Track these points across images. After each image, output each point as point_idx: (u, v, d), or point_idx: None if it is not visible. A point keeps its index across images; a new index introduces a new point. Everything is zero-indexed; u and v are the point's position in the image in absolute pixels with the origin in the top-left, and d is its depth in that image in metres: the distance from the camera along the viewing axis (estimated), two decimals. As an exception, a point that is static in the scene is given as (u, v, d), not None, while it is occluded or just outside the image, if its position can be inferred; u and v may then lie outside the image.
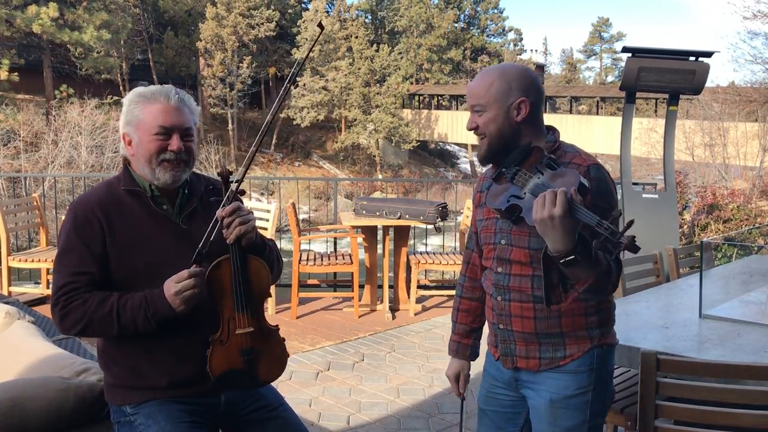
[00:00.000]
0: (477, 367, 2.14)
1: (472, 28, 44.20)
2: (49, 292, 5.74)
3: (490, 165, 1.94)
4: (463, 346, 2.13)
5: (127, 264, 1.81)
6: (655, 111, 28.07)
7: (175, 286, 1.74)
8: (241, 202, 1.88)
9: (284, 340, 1.97)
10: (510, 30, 47.00)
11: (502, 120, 1.82)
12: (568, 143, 1.89)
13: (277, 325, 1.96)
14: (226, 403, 1.92)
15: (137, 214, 1.85)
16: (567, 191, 1.56)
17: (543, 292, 1.79)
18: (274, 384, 2.00)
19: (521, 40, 48.07)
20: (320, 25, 1.92)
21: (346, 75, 31.10)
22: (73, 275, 1.78)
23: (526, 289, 1.83)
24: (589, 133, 28.82)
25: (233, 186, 1.86)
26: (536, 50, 53.66)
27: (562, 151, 1.85)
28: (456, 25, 41.61)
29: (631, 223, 1.55)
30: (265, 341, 1.89)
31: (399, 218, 5.51)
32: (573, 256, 1.58)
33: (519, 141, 1.83)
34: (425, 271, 6.42)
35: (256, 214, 5.85)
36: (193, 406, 1.85)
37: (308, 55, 1.88)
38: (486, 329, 2.06)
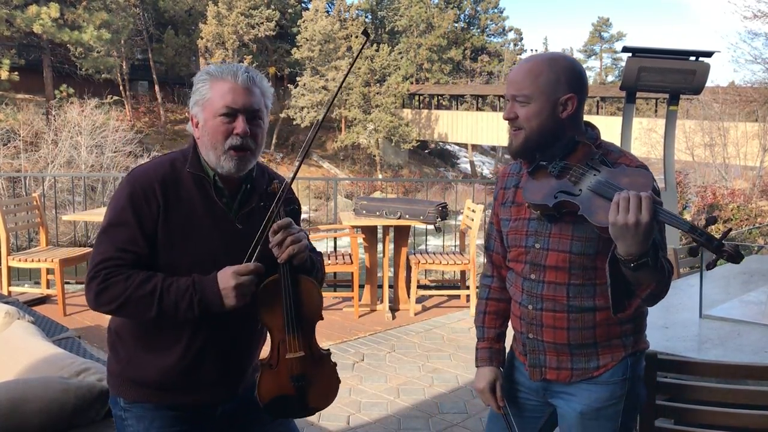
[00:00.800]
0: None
1: (472, 27, 44.23)
2: (49, 291, 5.75)
3: (518, 160, 1.82)
4: (496, 351, 1.94)
5: (172, 253, 1.67)
6: (655, 111, 28.08)
7: (236, 278, 1.62)
8: (295, 220, 1.74)
9: (335, 365, 1.84)
10: (510, 30, 47.06)
11: (547, 115, 1.68)
12: (608, 141, 1.78)
13: (329, 350, 1.83)
14: (223, 413, 1.83)
15: (196, 202, 1.70)
16: (650, 195, 1.47)
17: (584, 302, 1.70)
18: None
19: (521, 40, 48.14)
20: (365, 32, 1.75)
21: (346, 75, 31.08)
22: (120, 251, 1.63)
23: (561, 298, 1.72)
24: (589, 133, 28.75)
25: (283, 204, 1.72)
26: (536, 50, 53.65)
27: (605, 149, 1.73)
28: (456, 25, 41.63)
29: (729, 231, 1.46)
30: (317, 366, 1.77)
31: (399, 218, 5.51)
32: (646, 259, 1.50)
33: (559, 138, 1.71)
34: (425, 271, 6.43)
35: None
36: (187, 413, 1.77)
37: (353, 65, 1.72)
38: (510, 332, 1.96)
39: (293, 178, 1.74)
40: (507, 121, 1.74)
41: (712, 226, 1.55)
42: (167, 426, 1.74)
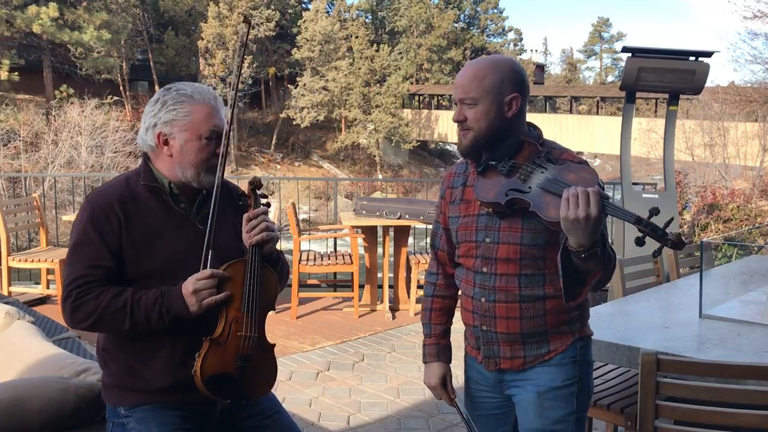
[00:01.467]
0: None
1: (472, 28, 44.24)
2: (49, 291, 5.76)
3: (466, 160, 1.90)
4: (443, 347, 2.01)
5: (141, 262, 1.77)
6: (655, 111, 28.08)
7: (194, 284, 1.71)
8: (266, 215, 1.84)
9: (275, 360, 1.89)
10: (510, 30, 47.15)
11: (494, 115, 1.78)
12: (549, 140, 1.87)
13: (274, 344, 1.89)
14: (221, 411, 1.87)
15: (155, 211, 1.81)
16: (597, 190, 1.56)
17: (536, 290, 1.78)
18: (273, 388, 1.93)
19: (521, 40, 48.25)
20: (246, 20, 1.84)
21: (346, 75, 31.11)
22: (89, 268, 1.74)
23: (512, 289, 1.79)
24: (589, 133, 28.82)
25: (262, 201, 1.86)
26: (536, 50, 53.71)
27: (548, 147, 1.82)
28: (456, 25, 41.64)
29: (671, 220, 1.55)
30: (262, 353, 1.82)
31: (399, 218, 5.51)
32: (596, 249, 1.58)
33: (507, 136, 1.80)
34: (425, 271, 6.42)
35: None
36: (187, 412, 1.81)
37: (242, 54, 1.81)
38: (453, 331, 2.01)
39: (222, 177, 1.83)
40: (456, 123, 1.83)
41: (655, 217, 1.67)
42: (168, 424, 1.76)
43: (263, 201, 1.85)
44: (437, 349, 2.00)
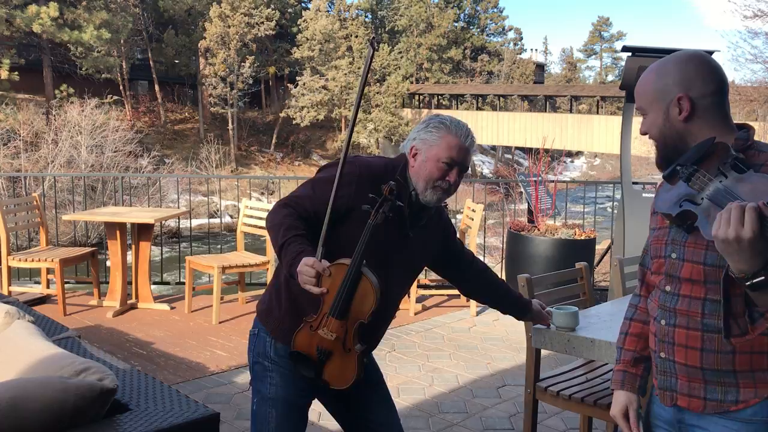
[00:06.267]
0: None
1: (471, 27, 44.27)
2: (49, 291, 5.76)
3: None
4: (631, 375, 1.77)
5: (351, 233, 1.93)
6: (655, 110, 28.04)
7: (301, 266, 1.84)
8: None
9: (366, 361, 1.99)
10: (510, 29, 47.14)
11: (662, 122, 1.62)
12: (765, 143, 1.60)
13: (363, 349, 1.96)
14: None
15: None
16: (757, 207, 1.29)
17: (720, 321, 1.49)
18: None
19: (521, 39, 48.28)
20: (372, 44, 1.96)
21: (346, 74, 31.14)
22: (307, 199, 2.03)
23: (695, 314, 1.54)
24: (589, 133, 28.83)
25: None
26: (536, 49, 53.67)
27: (756, 150, 1.55)
28: (456, 24, 41.68)
29: None
30: (343, 354, 1.94)
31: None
32: (762, 278, 1.31)
33: (688, 143, 1.59)
34: (425, 270, 6.41)
35: (256, 213, 5.84)
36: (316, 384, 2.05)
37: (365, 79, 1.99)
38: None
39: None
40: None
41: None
42: (300, 390, 2.12)
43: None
44: (623, 376, 1.78)
